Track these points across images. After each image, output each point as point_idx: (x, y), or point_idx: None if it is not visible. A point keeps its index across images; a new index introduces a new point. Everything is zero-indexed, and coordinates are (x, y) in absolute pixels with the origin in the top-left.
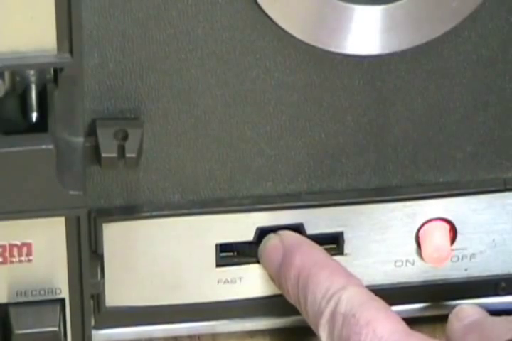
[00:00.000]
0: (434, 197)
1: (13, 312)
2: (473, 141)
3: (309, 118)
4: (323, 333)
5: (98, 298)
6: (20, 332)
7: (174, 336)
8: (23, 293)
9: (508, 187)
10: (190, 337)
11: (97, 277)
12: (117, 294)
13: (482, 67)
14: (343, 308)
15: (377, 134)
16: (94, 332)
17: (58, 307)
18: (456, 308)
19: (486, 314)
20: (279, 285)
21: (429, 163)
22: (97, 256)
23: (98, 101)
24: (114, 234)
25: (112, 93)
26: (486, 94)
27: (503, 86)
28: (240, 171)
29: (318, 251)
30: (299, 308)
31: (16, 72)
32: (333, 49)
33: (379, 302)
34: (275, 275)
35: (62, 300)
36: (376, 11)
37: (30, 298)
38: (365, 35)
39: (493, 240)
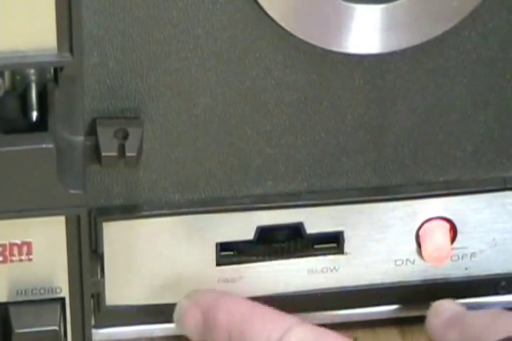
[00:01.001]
0: (434, 196)
1: (13, 311)
2: (474, 140)
3: (309, 117)
4: None
5: (98, 297)
6: (20, 331)
7: (174, 335)
8: (23, 292)
9: (508, 186)
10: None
11: (97, 276)
12: (117, 293)
13: (482, 66)
14: None
15: (378, 133)
16: (94, 331)
17: (58, 307)
18: (434, 304)
19: (463, 308)
20: None
21: (429, 162)
22: (97, 255)
23: (98, 100)
24: (115, 233)
25: (112, 92)
26: (486, 93)
27: (503, 85)
28: (240, 170)
29: (239, 303)
30: None
31: (16, 71)
32: (333, 48)
33: (333, 334)
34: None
35: (63, 299)
36: (376, 10)
37: (31, 297)
38: (365, 34)
39: (494, 239)
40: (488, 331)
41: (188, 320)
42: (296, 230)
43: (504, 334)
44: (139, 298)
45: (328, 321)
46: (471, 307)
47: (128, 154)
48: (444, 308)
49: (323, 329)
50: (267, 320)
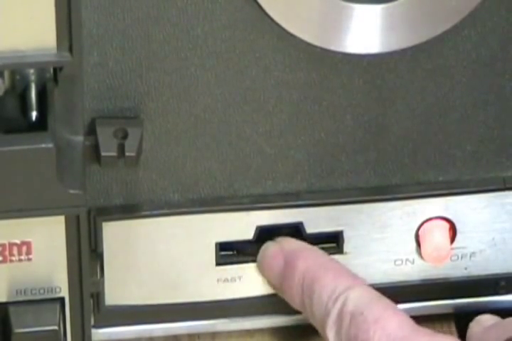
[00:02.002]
0: (433, 195)
1: (12, 311)
2: (473, 140)
3: (309, 117)
4: (330, 334)
5: (98, 296)
6: (19, 330)
7: (174, 335)
8: (22, 292)
9: (507, 186)
10: (189, 335)
11: (96, 276)
12: (117, 293)
13: (482, 65)
14: (350, 307)
15: (377, 133)
16: (93, 331)
17: (58, 306)
18: (476, 317)
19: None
20: (282, 291)
21: (428, 162)
22: (96, 254)
23: (98, 100)
24: (114, 233)
25: (112, 92)
26: (486, 92)
27: (502, 85)
28: (240, 170)
29: (320, 255)
30: (304, 312)
31: (15, 70)
32: (333, 48)
33: (386, 301)
34: (278, 282)
35: (62, 299)
36: (376, 9)
37: (30, 297)
38: (364, 33)
39: (493, 239)
40: None
41: (270, 262)
42: (295, 230)
43: None
44: (139, 298)
45: None
46: (470, 307)
47: (127, 154)
48: (487, 319)
49: (381, 296)
50: (338, 275)
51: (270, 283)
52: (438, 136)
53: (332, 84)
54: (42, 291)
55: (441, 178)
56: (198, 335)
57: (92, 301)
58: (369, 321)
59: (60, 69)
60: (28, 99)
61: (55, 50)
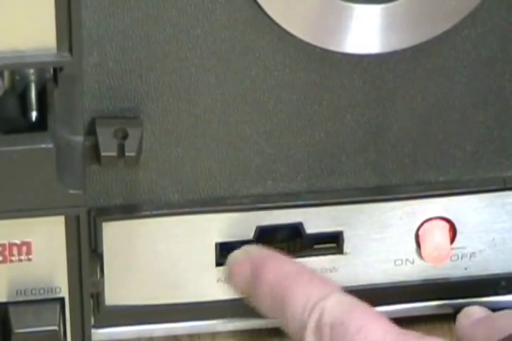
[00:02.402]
0: (433, 196)
1: (12, 311)
2: (473, 140)
3: (309, 117)
4: None
5: (98, 296)
6: (19, 331)
7: (174, 335)
8: (22, 292)
9: (507, 186)
10: (189, 336)
11: (96, 276)
12: (117, 293)
13: (482, 66)
14: (328, 318)
15: (377, 133)
16: (93, 331)
17: (58, 306)
18: (464, 309)
19: (491, 312)
20: (252, 302)
21: (428, 162)
22: (96, 255)
23: (98, 100)
24: (114, 233)
25: (112, 92)
26: (486, 93)
27: (502, 85)
28: (240, 170)
29: (288, 263)
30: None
31: (15, 71)
32: (332, 48)
33: (364, 306)
34: (245, 292)
35: (62, 299)
36: (376, 10)
37: (30, 297)
38: (364, 34)
39: (493, 239)
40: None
41: (237, 270)
42: (295, 230)
43: None
44: (139, 298)
45: None
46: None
47: (127, 154)
48: (474, 311)
49: (358, 301)
50: (309, 284)
51: (237, 291)
52: (438, 136)
53: (332, 85)
54: (42, 291)
55: (441, 178)
56: (198, 335)
57: (92, 301)
58: (351, 331)
59: (60, 69)
60: (28, 99)
61: (55, 50)
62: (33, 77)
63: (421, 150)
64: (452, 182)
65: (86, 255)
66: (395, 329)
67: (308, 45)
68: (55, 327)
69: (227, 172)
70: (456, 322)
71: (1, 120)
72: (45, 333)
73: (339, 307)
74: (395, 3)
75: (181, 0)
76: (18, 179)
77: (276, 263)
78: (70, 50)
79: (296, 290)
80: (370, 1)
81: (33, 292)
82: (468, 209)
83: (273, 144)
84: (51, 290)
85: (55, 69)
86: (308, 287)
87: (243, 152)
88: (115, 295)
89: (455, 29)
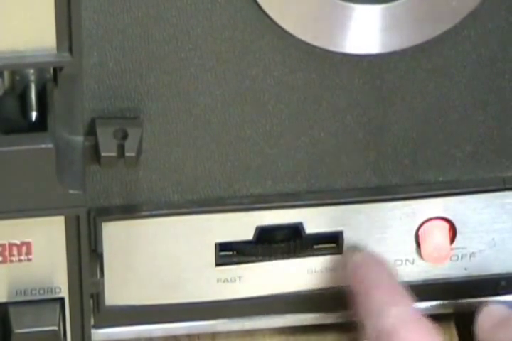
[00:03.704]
0: (433, 196)
1: (12, 311)
2: (473, 140)
3: (309, 117)
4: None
5: (98, 297)
6: (19, 331)
7: (173, 335)
8: (22, 292)
9: (507, 186)
10: (189, 336)
11: (96, 276)
12: (117, 293)
13: (482, 66)
14: (388, 325)
15: (377, 133)
16: (93, 331)
17: (58, 307)
18: (484, 309)
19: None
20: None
21: (428, 162)
22: (96, 255)
23: (98, 100)
24: (114, 233)
25: (112, 92)
26: (486, 93)
27: (502, 85)
28: (240, 170)
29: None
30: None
31: (15, 71)
32: (332, 48)
33: (423, 323)
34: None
35: (62, 299)
36: (376, 9)
37: (30, 297)
38: (364, 34)
39: (493, 239)
40: None
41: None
42: (295, 230)
43: None
44: (139, 298)
45: (328, 321)
46: (470, 307)
47: (127, 154)
48: (495, 312)
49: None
50: (387, 293)
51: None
52: (438, 136)
53: (332, 85)
54: (42, 291)
55: (441, 178)
56: (198, 335)
57: (91, 301)
58: None
59: (60, 69)
60: (27, 100)
61: (54, 51)
62: (32, 77)
63: (421, 151)
64: (452, 182)
65: (86, 255)
66: None
67: (308, 45)
68: (55, 327)
69: (227, 172)
70: (477, 325)
71: (1, 120)
72: (45, 333)
73: (402, 316)
74: (395, 3)
75: (181, 0)
76: (18, 179)
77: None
78: (70, 50)
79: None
80: (370, 1)
81: (33, 292)
82: (468, 210)
83: (273, 144)
84: (51, 290)
85: (55, 70)
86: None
87: (243, 152)
88: (115, 295)
89: (455, 29)
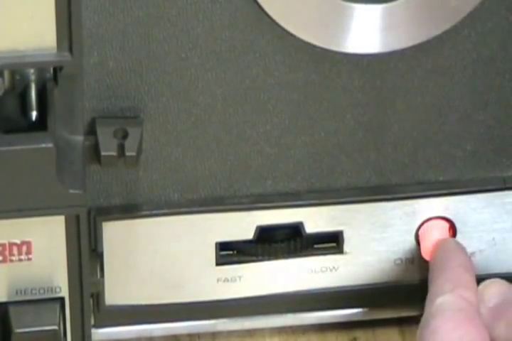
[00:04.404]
0: (433, 195)
1: (12, 310)
2: (473, 140)
3: (309, 116)
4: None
5: (98, 296)
6: (19, 330)
7: (174, 335)
8: (22, 292)
9: (507, 185)
10: (189, 335)
11: (96, 276)
12: (117, 293)
13: (482, 65)
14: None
15: (377, 133)
16: (93, 331)
17: (58, 306)
18: (480, 287)
19: (510, 289)
20: None
21: (428, 162)
22: (96, 254)
23: (98, 99)
24: (114, 233)
25: (112, 92)
26: (486, 92)
27: (502, 84)
28: (240, 170)
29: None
30: None
31: (15, 70)
32: (333, 47)
33: (462, 313)
34: None
35: (62, 299)
36: (376, 9)
37: (30, 297)
38: (365, 33)
39: (493, 239)
40: None
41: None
42: (295, 230)
43: None
44: (139, 298)
45: (327, 321)
46: None
47: (127, 154)
48: (491, 295)
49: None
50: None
51: None
52: (438, 136)
53: (332, 84)
54: (42, 291)
55: (441, 178)
56: (198, 335)
57: (92, 301)
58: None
59: (60, 69)
60: (28, 99)
61: (55, 50)
62: (33, 77)
63: (421, 150)
64: (452, 181)
65: (86, 255)
66: None
67: (309, 44)
68: (55, 327)
69: (227, 172)
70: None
71: (1, 119)
72: (45, 333)
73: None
74: (396, 2)
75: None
76: (18, 179)
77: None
78: (70, 50)
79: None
80: (371, 1)
81: (33, 291)
82: (469, 209)
83: (273, 144)
84: (51, 289)
85: (55, 69)
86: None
87: (243, 152)
88: (115, 294)
89: (455, 29)
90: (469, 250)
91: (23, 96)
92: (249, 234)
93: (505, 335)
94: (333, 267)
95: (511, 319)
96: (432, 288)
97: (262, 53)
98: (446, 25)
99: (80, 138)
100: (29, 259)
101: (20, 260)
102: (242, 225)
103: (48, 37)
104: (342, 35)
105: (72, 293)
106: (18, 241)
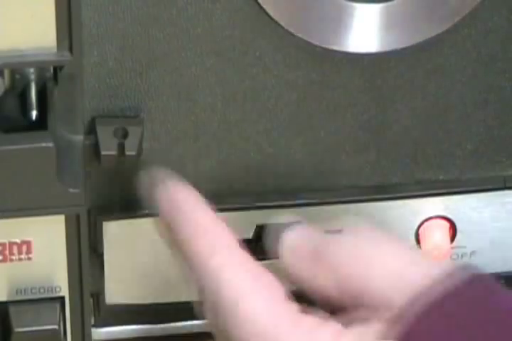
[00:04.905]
0: (433, 195)
1: (12, 310)
2: (473, 139)
3: (309, 116)
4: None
5: (98, 296)
6: (20, 330)
7: (174, 334)
8: (22, 291)
9: (507, 185)
10: (189, 335)
11: (96, 275)
12: (117, 292)
13: (482, 65)
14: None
15: (377, 132)
16: (93, 330)
17: (58, 306)
18: (283, 236)
19: (319, 234)
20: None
21: (428, 161)
22: (96, 254)
23: (98, 99)
24: (114, 232)
25: (112, 91)
26: (486, 92)
27: (502, 84)
28: (240, 169)
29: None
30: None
31: (15, 70)
32: (333, 47)
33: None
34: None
35: (62, 299)
36: (376, 8)
37: (30, 296)
38: (365, 33)
39: (493, 238)
40: (371, 269)
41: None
42: None
43: (389, 274)
44: (139, 297)
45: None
46: None
47: (128, 153)
48: (300, 244)
49: (247, 259)
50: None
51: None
52: (438, 135)
53: (332, 84)
54: (42, 290)
55: (441, 177)
56: (198, 335)
57: (92, 300)
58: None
59: (60, 68)
60: (28, 99)
61: (55, 50)
62: (33, 76)
63: (421, 149)
64: (452, 181)
65: (86, 254)
66: (286, 316)
67: (309, 44)
68: (55, 326)
69: (227, 172)
70: (280, 259)
71: (1, 119)
72: (45, 332)
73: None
74: (396, 2)
75: None
76: (18, 178)
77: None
78: (70, 49)
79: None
80: (371, 0)
81: (33, 291)
82: (469, 209)
83: (273, 143)
84: (51, 289)
85: (55, 69)
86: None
87: (243, 151)
88: (115, 294)
89: (455, 28)
90: (469, 249)
91: (24, 95)
92: (248, 233)
93: (324, 281)
94: None
95: (327, 266)
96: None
97: (262, 53)
98: (446, 25)
99: (80, 138)
100: (29, 259)
101: (20, 259)
102: (241, 224)
103: (48, 36)
104: (342, 35)
105: (72, 293)
106: (18, 241)
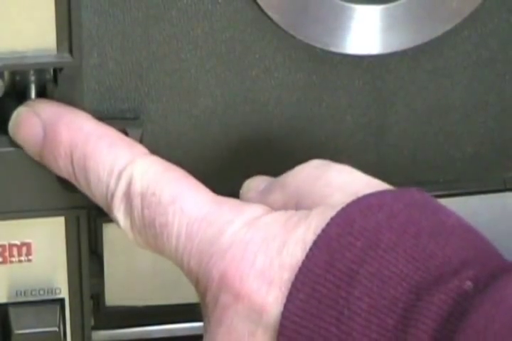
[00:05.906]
0: (434, 196)
1: (12, 312)
2: (473, 141)
3: (309, 117)
4: (119, 215)
5: (98, 298)
6: (19, 332)
7: (174, 336)
8: (22, 293)
9: (507, 186)
10: (189, 337)
11: (96, 277)
12: (117, 294)
13: (482, 67)
14: (137, 187)
15: (377, 134)
16: (93, 332)
17: (58, 307)
18: (244, 184)
19: (273, 178)
20: (47, 165)
21: (428, 163)
22: (96, 256)
23: (98, 101)
24: (114, 234)
25: (112, 93)
26: (486, 94)
27: (502, 86)
28: (240, 171)
29: (86, 120)
30: (78, 187)
31: (15, 71)
32: (332, 49)
33: (176, 172)
34: (38, 155)
35: (62, 300)
36: (376, 10)
37: (30, 298)
38: (365, 34)
39: (494, 240)
40: (314, 187)
41: (25, 129)
42: None
43: (332, 190)
44: (139, 299)
45: None
46: None
47: None
48: (257, 184)
49: (167, 164)
50: (113, 146)
51: (31, 154)
52: (438, 137)
53: (332, 85)
54: (42, 292)
55: (441, 179)
56: (199, 336)
57: (91, 302)
58: (164, 202)
59: (60, 70)
60: (28, 100)
61: (55, 51)
62: (33, 78)
63: (421, 151)
64: (452, 182)
65: (86, 256)
66: (211, 198)
67: (309, 45)
68: (55, 328)
69: (227, 173)
70: (240, 199)
71: (1, 120)
72: (45, 334)
73: (149, 173)
74: (396, 3)
75: (181, 0)
76: (18, 180)
77: (70, 123)
78: (70, 51)
79: (99, 154)
80: (371, 2)
81: (33, 293)
82: (469, 210)
83: (273, 145)
84: (51, 291)
85: (55, 70)
86: (112, 149)
87: (243, 152)
88: (115, 296)
89: (455, 30)
90: None
91: (23, 97)
92: None
93: (282, 201)
94: None
95: (284, 187)
96: (101, 164)
97: (262, 54)
98: (446, 27)
99: None
100: (29, 260)
101: (20, 261)
102: None
103: (48, 38)
104: (342, 37)
105: (72, 294)
106: (18, 243)
